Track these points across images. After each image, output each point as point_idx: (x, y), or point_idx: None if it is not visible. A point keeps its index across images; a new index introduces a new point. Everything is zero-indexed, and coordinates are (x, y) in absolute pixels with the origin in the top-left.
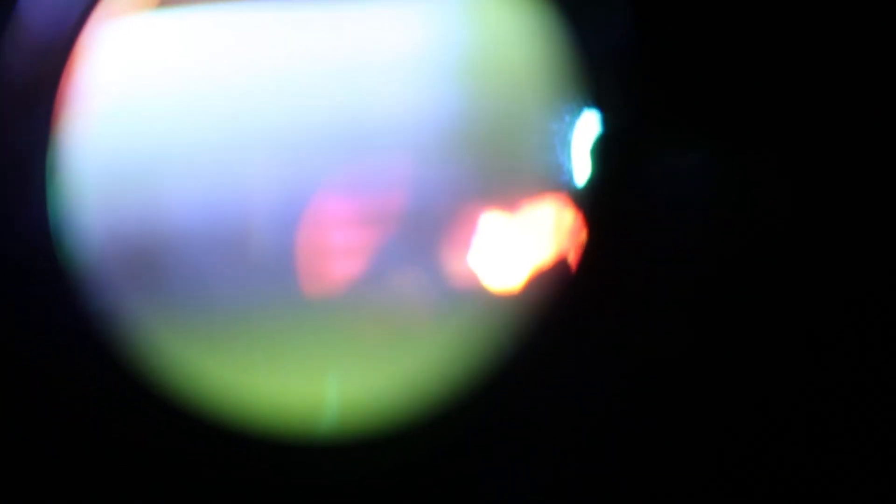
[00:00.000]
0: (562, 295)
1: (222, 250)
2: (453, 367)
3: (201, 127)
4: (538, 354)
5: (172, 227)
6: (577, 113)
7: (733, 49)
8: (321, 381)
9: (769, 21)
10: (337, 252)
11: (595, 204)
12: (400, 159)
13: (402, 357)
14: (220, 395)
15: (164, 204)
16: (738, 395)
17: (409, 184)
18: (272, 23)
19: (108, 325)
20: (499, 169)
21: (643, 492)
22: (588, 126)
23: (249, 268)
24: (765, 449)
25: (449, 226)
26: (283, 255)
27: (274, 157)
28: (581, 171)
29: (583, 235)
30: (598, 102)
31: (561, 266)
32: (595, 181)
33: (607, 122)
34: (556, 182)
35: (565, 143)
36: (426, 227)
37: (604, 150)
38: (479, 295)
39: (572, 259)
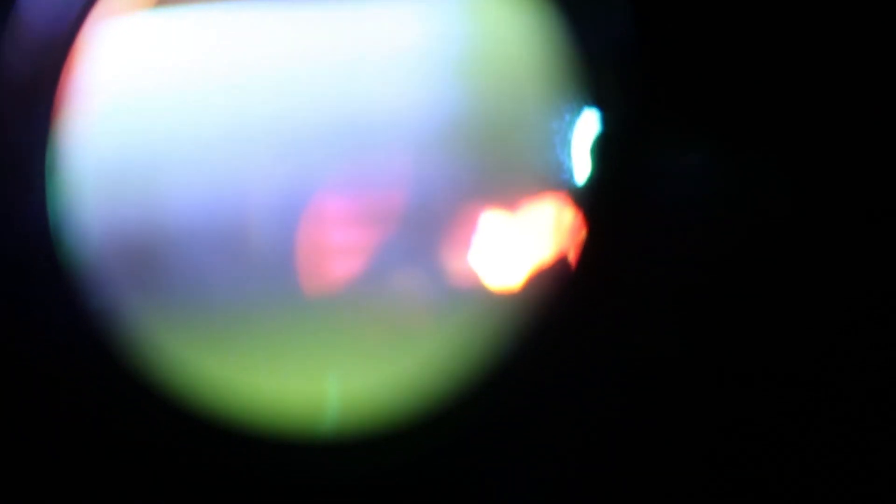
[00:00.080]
0: (561, 293)
1: (222, 248)
2: (453, 366)
3: (201, 125)
4: (538, 353)
5: (172, 226)
6: (576, 111)
7: (733, 48)
8: (321, 379)
9: (769, 20)
10: (337, 250)
11: (595, 202)
12: (400, 158)
13: (401, 356)
14: (219, 393)
15: (163, 202)
16: (737, 394)
17: (408, 182)
18: (271, 21)
19: (107, 323)
20: (498, 167)
21: (643, 491)
22: (588, 124)
23: (249, 266)
24: (765, 449)
25: (449, 224)
26: (282, 254)
27: (273, 155)
28: (581, 169)
29: (582, 234)
30: (598, 101)
31: (560, 264)
32: (595, 180)
33: (607, 120)
34: (556, 180)
35: (565, 142)
36: (426, 225)
37: (603, 149)
38: (478, 293)
39: (572, 257)
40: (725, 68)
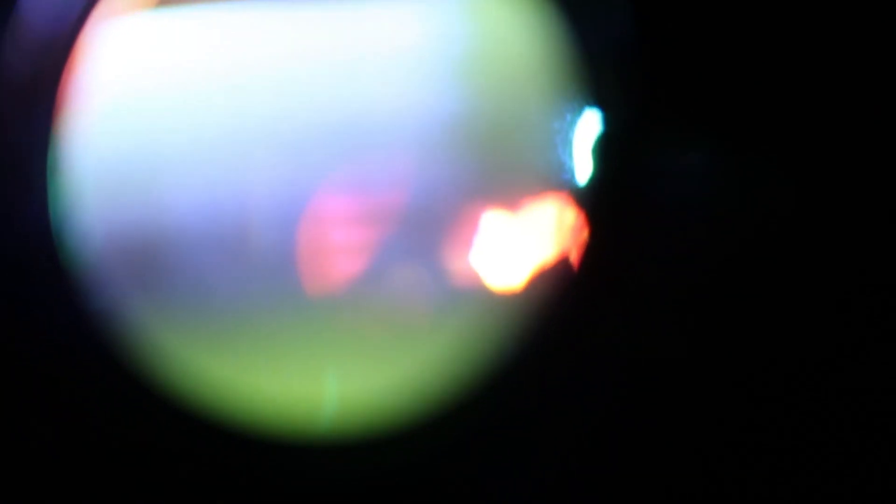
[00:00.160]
0: (563, 293)
1: (224, 249)
2: (454, 366)
3: (202, 125)
4: (539, 353)
5: (173, 226)
6: (577, 111)
7: (734, 47)
8: (322, 380)
9: (770, 19)
10: (338, 251)
11: (596, 202)
12: (401, 158)
13: (403, 356)
14: (220, 394)
15: (164, 202)
16: (738, 395)
17: (410, 182)
18: (272, 21)
19: (108, 323)
20: (500, 167)
21: (644, 492)
22: (589, 124)
23: (250, 266)
24: (767, 450)
25: (450, 224)
26: (284, 255)
27: (275, 155)
28: (582, 169)
29: (584, 234)
30: (599, 101)
31: (562, 264)
32: (596, 179)
33: (608, 120)
34: (558, 180)
35: (566, 142)
36: (427, 225)
37: (604, 149)
38: (480, 294)
39: (573, 257)
40: (726, 68)
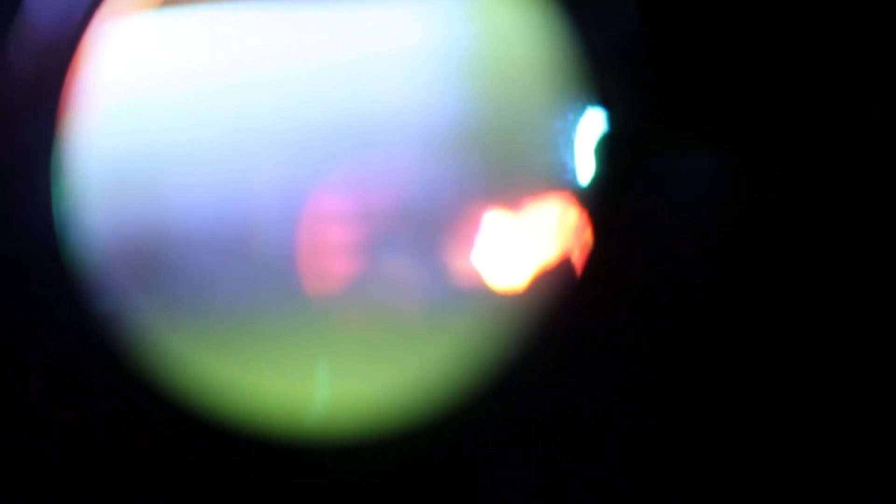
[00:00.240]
0: (565, 295)
1: (226, 249)
2: (456, 367)
3: (205, 126)
4: (541, 354)
5: (176, 226)
6: (581, 111)
7: (738, 48)
8: (323, 380)
9: (775, 20)
10: (341, 251)
11: (599, 203)
12: (404, 158)
13: (406, 357)
14: (222, 394)
15: (167, 202)
16: (742, 399)
17: (413, 182)
18: (276, 22)
19: (110, 323)
20: (503, 167)
21: (646, 494)
22: (592, 125)
23: (253, 267)
24: (768, 451)
25: (453, 224)
26: (287, 255)
27: (278, 156)
28: (585, 169)
29: (586, 235)
30: (603, 101)
31: (564, 265)
32: (599, 180)
33: (612, 120)
34: (561, 181)
35: (570, 142)
36: (430, 226)
37: (608, 149)
38: (482, 294)
39: (576, 258)
40: (730, 68)
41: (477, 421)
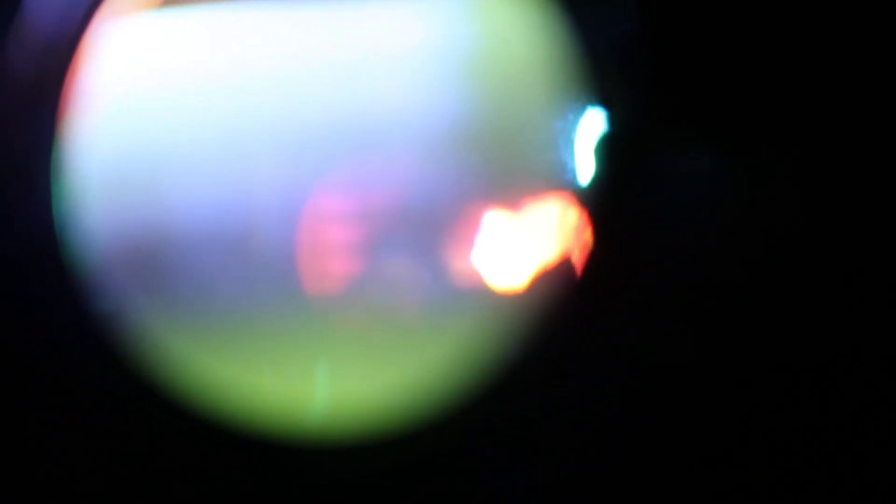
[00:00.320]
0: (565, 295)
1: (227, 250)
2: (456, 367)
3: (205, 126)
4: (541, 354)
5: (176, 226)
6: (581, 111)
7: (739, 48)
8: (323, 380)
9: (775, 20)
10: (341, 251)
11: (599, 203)
12: (404, 158)
13: (404, 357)
14: (222, 394)
15: (167, 203)
16: (742, 399)
17: (413, 182)
18: (276, 22)
19: (110, 323)
20: (503, 167)
21: (647, 495)
22: (593, 125)
23: (253, 267)
24: (769, 452)
25: (453, 224)
26: (287, 256)
27: (278, 156)
28: (585, 169)
29: (587, 234)
30: (603, 101)
31: (565, 266)
32: (599, 180)
33: (612, 120)
34: (561, 181)
35: (570, 142)
36: (430, 226)
37: (608, 149)
38: (483, 294)
39: (576, 258)
40: (731, 68)
41: (477, 421)
